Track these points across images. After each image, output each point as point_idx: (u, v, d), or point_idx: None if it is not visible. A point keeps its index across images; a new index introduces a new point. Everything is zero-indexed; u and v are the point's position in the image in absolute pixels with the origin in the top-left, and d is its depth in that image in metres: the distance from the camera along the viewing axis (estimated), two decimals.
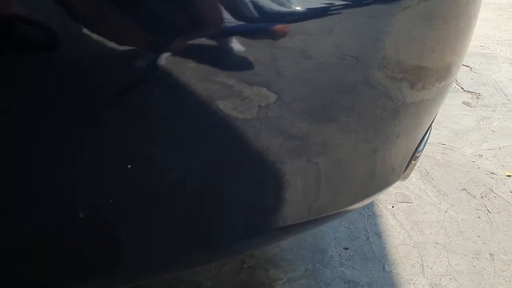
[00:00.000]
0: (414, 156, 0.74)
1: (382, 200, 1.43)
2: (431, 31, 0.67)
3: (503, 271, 1.16)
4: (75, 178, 0.50)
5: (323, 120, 0.64)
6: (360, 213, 1.37)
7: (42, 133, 0.48)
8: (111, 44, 0.46)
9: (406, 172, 0.78)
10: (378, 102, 0.67)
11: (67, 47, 0.45)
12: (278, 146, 0.62)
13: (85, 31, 0.45)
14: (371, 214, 1.37)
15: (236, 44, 0.54)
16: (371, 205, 1.40)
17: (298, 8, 0.56)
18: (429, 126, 0.81)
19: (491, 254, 1.21)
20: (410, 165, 0.78)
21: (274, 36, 0.56)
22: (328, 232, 1.29)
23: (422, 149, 0.79)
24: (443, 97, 0.76)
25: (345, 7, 0.61)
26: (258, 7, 0.52)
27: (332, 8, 0.59)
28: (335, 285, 1.11)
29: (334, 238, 1.27)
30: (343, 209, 0.69)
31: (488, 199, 1.43)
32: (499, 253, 1.22)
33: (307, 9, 0.56)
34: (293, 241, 1.25)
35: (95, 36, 0.45)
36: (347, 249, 1.23)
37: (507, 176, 1.55)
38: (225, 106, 0.55)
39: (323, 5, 0.59)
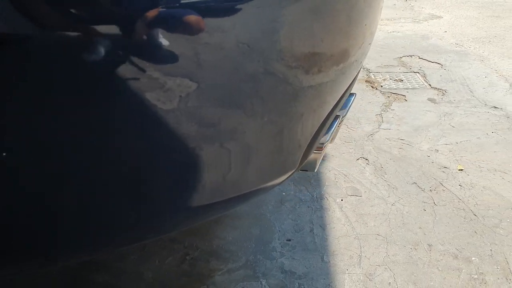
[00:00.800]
0: (313, 146, 0.77)
1: (332, 193, 1.46)
2: (320, 23, 0.70)
3: (438, 260, 1.19)
4: None
5: (231, 108, 0.67)
6: (308, 206, 1.40)
7: None
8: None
9: (308, 161, 0.81)
10: (278, 88, 0.70)
11: None
12: (194, 133, 0.65)
13: None
14: (319, 207, 1.40)
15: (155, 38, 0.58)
16: (320, 199, 1.44)
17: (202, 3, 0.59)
18: (336, 119, 0.84)
19: (429, 245, 1.24)
20: (314, 155, 0.81)
21: (189, 30, 0.59)
22: (275, 225, 1.32)
23: (328, 141, 0.82)
24: (346, 77, 0.79)
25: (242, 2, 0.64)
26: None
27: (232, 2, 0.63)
28: (272, 275, 1.15)
29: (279, 230, 1.30)
30: (249, 191, 0.72)
31: (437, 193, 1.46)
32: (437, 243, 1.25)
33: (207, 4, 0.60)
34: (239, 233, 1.28)
35: None
36: (289, 240, 1.27)
37: (459, 170, 1.58)
38: (150, 97, 0.58)
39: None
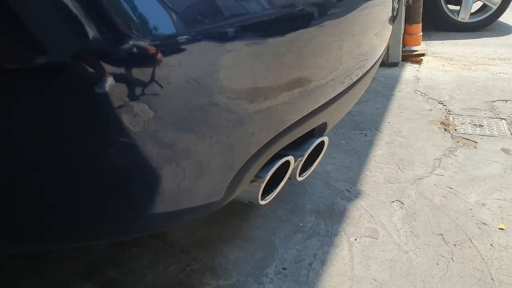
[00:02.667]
0: (241, 178, 0.83)
1: (349, 232, 1.47)
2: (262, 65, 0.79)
3: None
4: None
5: (183, 131, 0.80)
6: (319, 240, 1.43)
7: None
8: None
9: (247, 193, 0.88)
10: (211, 117, 0.80)
11: None
12: (157, 152, 0.79)
13: None
14: (329, 243, 1.42)
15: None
16: (334, 235, 1.46)
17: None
18: (278, 159, 0.89)
19: None
20: (252, 187, 0.88)
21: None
22: (278, 253, 1.38)
23: (266, 176, 0.88)
24: (283, 113, 0.85)
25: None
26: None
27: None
28: None
29: (280, 258, 1.36)
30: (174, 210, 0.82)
31: (460, 248, 1.38)
32: None
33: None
34: (242, 254, 1.37)
35: None
36: (284, 269, 1.32)
37: (500, 229, 1.47)
38: (124, 118, 0.74)
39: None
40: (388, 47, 2.95)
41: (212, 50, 0.79)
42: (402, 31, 3.15)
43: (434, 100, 2.56)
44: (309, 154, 1.02)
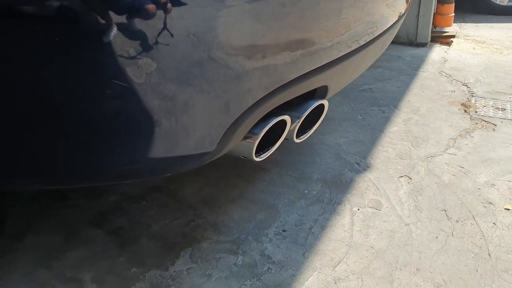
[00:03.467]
0: (234, 131, 0.86)
1: (353, 202, 1.49)
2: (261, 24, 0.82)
3: (417, 285, 1.17)
4: None
5: (182, 86, 0.84)
6: (321, 207, 1.46)
7: None
8: None
9: (241, 148, 0.91)
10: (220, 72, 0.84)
11: None
12: (158, 101, 0.84)
13: None
14: (331, 210, 1.45)
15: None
16: (338, 203, 1.48)
17: None
18: (273, 117, 0.92)
19: (417, 269, 1.22)
20: (246, 143, 0.91)
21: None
22: (280, 216, 1.42)
23: (260, 133, 0.91)
24: (276, 72, 0.87)
25: None
26: None
27: None
28: (250, 254, 1.26)
29: (281, 221, 1.40)
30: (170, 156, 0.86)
31: (462, 225, 1.39)
32: (427, 270, 1.21)
33: None
34: (245, 214, 1.42)
35: None
36: (284, 231, 1.36)
37: (506, 209, 1.46)
38: (129, 72, 0.78)
39: None
40: (417, 27, 2.90)
41: (213, 6, 0.81)
42: (433, 11, 3.08)
43: (458, 82, 2.52)
44: (309, 118, 1.04)
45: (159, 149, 0.82)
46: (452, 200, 1.50)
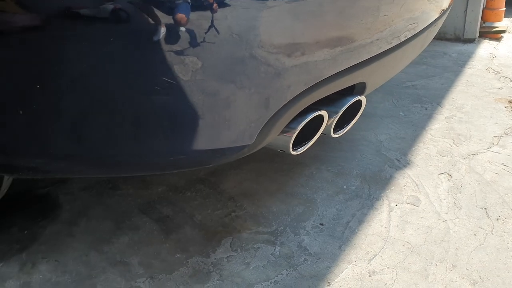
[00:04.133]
0: (272, 125, 0.91)
1: (392, 198, 1.51)
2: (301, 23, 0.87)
3: (452, 281, 1.18)
4: None
5: (224, 82, 0.90)
6: (359, 203, 1.49)
7: None
8: None
9: (278, 142, 0.96)
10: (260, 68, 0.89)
11: None
12: (203, 96, 0.90)
13: None
14: (369, 205, 1.47)
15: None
16: (376, 199, 1.50)
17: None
18: (311, 113, 0.96)
19: (453, 265, 1.23)
20: (283, 137, 0.95)
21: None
22: (318, 210, 1.46)
23: (297, 127, 0.95)
24: (316, 67, 0.91)
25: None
26: None
27: None
28: (287, 245, 1.31)
29: (319, 215, 1.44)
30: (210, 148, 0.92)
31: (503, 223, 1.38)
32: (463, 267, 1.22)
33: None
34: (284, 207, 1.47)
35: None
36: (322, 224, 1.39)
37: None
38: (176, 69, 0.86)
39: None
40: (465, 22, 2.84)
41: (254, 6, 0.86)
42: (482, 5, 3.00)
43: (506, 79, 2.46)
44: (347, 113, 1.07)
45: (203, 142, 0.88)
46: (493, 198, 1.49)
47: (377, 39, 1.03)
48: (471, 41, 3.02)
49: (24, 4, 0.88)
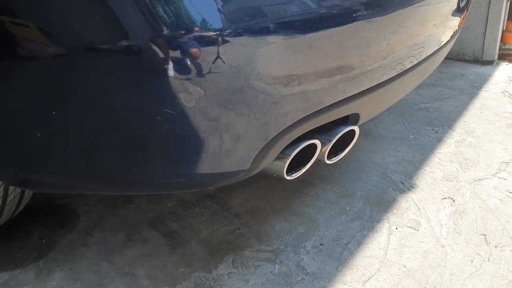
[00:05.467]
0: (267, 151, 0.97)
1: (392, 221, 1.55)
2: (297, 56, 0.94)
3: None
4: None
5: (226, 109, 0.98)
6: (360, 224, 1.54)
7: None
8: None
9: (273, 167, 1.03)
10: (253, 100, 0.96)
11: None
12: (205, 123, 0.98)
13: None
14: (369, 228, 1.52)
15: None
16: (377, 222, 1.55)
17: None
18: (302, 141, 1.02)
19: None
20: (278, 163, 1.02)
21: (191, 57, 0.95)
22: (320, 230, 1.52)
23: (291, 154, 1.02)
24: (312, 97, 0.98)
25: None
26: None
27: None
28: (287, 264, 1.37)
29: (320, 235, 1.49)
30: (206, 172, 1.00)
31: (501, 250, 1.41)
32: None
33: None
34: (286, 226, 1.53)
35: None
36: (322, 245, 1.45)
37: None
38: (181, 98, 0.94)
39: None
40: (483, 44, 2.85)
41: (252, 43, 0.94)
42: (502, 28, 3.01)
43: None
44: (342, 141, 1.13)
45: (202, 166, 0.95)
46: (494, 225, 1.51)
47: (368, 72, 1.09)
48: (489, 63, 3.03)
49: (47, 34, 0.97)
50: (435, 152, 1.98)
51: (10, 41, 0.94)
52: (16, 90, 0.99)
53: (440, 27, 1.40)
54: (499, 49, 3.06)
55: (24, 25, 0.92)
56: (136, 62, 0.95)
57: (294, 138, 1.00)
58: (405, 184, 1.75)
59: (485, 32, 2.99)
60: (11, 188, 1.29)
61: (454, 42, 1.72)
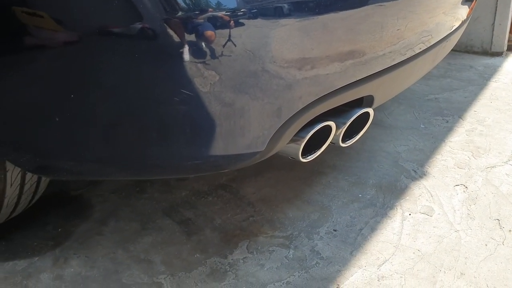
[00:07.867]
0: (282, 133, 0.98)
1: (406, 207, 1.55)
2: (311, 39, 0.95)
3: None
4: None
5: (240, 93, 0.99)
6: (373, 211, 1.54)
7: None
8: None
9: (288, 150, 1.03)
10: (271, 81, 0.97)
11: None
12: (219, 106, 0.99)
13: None
14: (383, 214, 1.52)
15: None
16: (390, 208, 1.55)
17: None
18: (317, 123, 1.03)
19: (461, 273, 1.26)
20: (293, 145, 1.03)
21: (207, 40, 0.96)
22: (333, 217, 1.52)
23: (306, 136, 1.02)
24: (326, 79, 0.99)
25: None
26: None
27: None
28: (301, 249, 1.38)
29: (333, 221, 1.50)
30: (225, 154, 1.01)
31: None
32: (471, 275, 1.26)
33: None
34: (300, 214, 1.53)
35: None
36: (335, 230, 1.46)
37: None
38: (196, 82, 0.95)
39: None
40: (492, 35, 2.85)
41: (267, 25, 0.95)
42: (511, 19, 3.00)
43: None
44: (355, 124, 1.14)
45: (219, 148, 0.96)
46: (508, 210, 1.51)
47: (383, 54, 1.09)
48: (498, 54, 3.02)
49: (60, 21, 0.98)
50: (446, 141, 1.98)
51: (26, 29, 0.96)
52: (33, 75, 1.00)
53: (449, 15, 1.40)
54: (508, 41, 3.05)
55: (40, 15, 0.94)
56: (151, 45, 0.96)
57: (309, 120, 1.01)
58: (417, 172, 1.75)
59: (493, 23, 2.98)
60: (28, 176, 1.31)
61: (463, 34, 1.72)
